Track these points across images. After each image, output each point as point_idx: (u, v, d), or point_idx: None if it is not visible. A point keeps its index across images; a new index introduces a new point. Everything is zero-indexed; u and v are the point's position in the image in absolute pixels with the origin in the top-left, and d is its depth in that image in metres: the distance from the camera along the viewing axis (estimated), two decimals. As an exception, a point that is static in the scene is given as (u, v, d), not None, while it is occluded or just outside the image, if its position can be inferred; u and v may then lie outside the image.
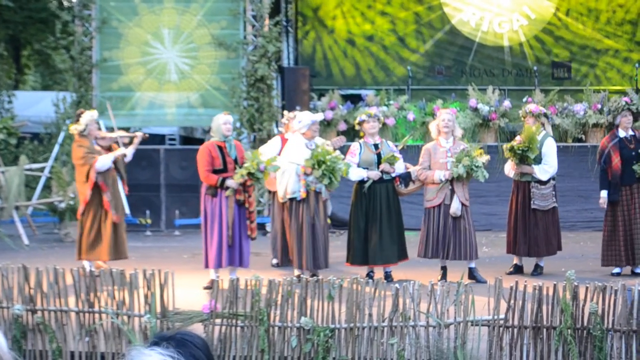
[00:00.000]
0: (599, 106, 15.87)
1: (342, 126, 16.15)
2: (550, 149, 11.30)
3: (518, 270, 11.45)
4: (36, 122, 20.84)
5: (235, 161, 10.59)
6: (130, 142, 11.62)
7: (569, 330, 7.93)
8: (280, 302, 8.28)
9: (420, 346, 8.08)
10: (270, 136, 15.38)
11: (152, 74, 16.48)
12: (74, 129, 11.17)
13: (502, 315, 8.11)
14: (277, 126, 16.04)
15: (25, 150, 19.10)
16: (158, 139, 20.36)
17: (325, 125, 16.01)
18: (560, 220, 11.70)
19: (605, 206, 11.26)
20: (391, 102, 16.47)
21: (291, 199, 10.77)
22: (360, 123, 11.26)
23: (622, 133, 11.35)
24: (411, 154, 14.54)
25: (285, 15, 18.46)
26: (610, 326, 7.97)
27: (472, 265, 10.89)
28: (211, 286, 9.19)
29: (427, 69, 19.04)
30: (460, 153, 10.76)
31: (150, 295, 8.43)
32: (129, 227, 12.84)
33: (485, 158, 10.83)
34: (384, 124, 13.08)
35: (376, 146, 11.12)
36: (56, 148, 16.45)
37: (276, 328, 8.29)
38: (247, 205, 10.58)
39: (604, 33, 18.77)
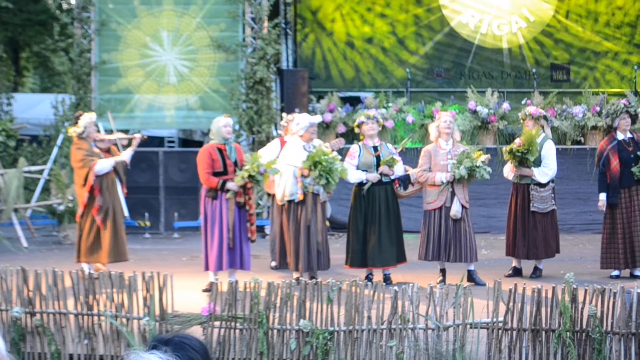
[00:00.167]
0: (598, 109, 15.88)
1: (342, 129, 16.15)
2: (549, 151, 11.31)
3: (517, 273, 11.45)
4: (35, 125, 20.84)
5: (235, 164, 10.60)
6: (129, 144, 11.63)
7: (568, 333, 7.93)
8: (279, 304, 8.27)
9: (420, 349, 8.07)
10: (269, 139, 15.39)
11: (151, 77, 16.49)
12: (73, 131, 11.17)
13: (501, 318, 8.11)
14: (276, 129, 16.05)
15: (24, 152, 19.10)
16: (157, 141, 20.39)
17: (325, 128, 16.02)
18: (559, 223, 11.70)
19: (605, 209, 11.26)
20: (390, 104, 16.47)
21: (289, 202, 10.79)
22: (360, 125, 11.26)
23: (620, 136, 11.35)
24: (410, 156, 14.54)
25: (285, 17, 18.46)
26: (609, 329, 7.97)
27: (472, 268, 10.89)
28: (210, 289, 9.19)
29: (427, 71, 19.04)
30: (461, 155, 10.76)
31: (149, 298, 8.42)
32: (128, 229, 12.84)
33: (486, 157, 10.83)
34: (383, 127, 13.06)
35: (375, 149, 11.12)
36: (55, 150, 16.46)
37: (275, 331, 8.29)
38: (247, 207, 10.59)
39: (603, 36, 18.78)
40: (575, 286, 8.00)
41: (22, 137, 18.90)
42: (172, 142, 21.70)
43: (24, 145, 19.72)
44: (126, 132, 14.94)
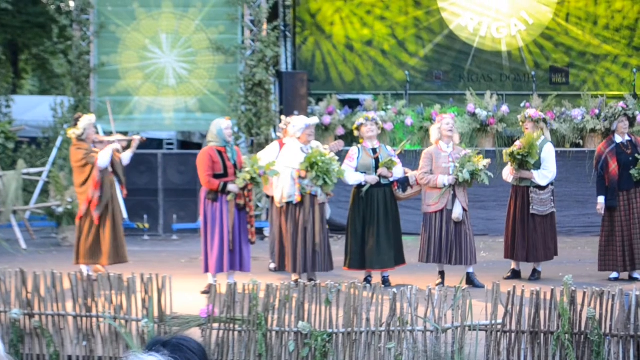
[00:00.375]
0: (597, 111, 15.88)
1: (340, 131, 16.15)
2: (549, 154, 11.31)
3: (516, 275, 11.45)
4: (34, 127, 20.84)
5: (235, 166, 10.60)
6: (128, 146, 11.63)
7: (567, 335, 7.93)
8: (278, 306, 8.28)
9: (418, 351, 8.08)
10: (268, 141, 15.40)
11: (150, 79, 16.49)
12: (72, 132, 11.18)
13: (499, 320, 8.11)
14: (275, 131, 16.06)
15: (23, 154, 19.08)
16: (156, 143, 20.38)
17: (323, 130, 16.02)
18: (558, 225, 11.70)
19: (603, 212, 11.26)
20: (389, 107, 16.47)
21: (287, 203, 10.80)
22: (359, 127, 11.27)
23: (618, 138, 11.35)
24: (409, 158, 14.54)
25: (284, 20, 18.47)
26: (607, 331, 7.98)
27: (470, 270, 10.89)
28: (209, 290, 9.19)
29: (425, 74, 19.05)
30: (464, 158, 10.77)
31: (147, 299, 8.43)
32: (127, 231, 12.84)
33: (486, 161, 10.85)
34: (382, 129, 13.07)
35: (374, 150, 11.13)
36: (54, 152, 16.45)
37: (274, 333, 8.29)
38: (247, 209, 10.60)
39: (602, 38, 18.79)
40: (573, 288, 8.00)
41: (20, 139, 18.89)
42: (171, 144, 21.70)
43: (23, 147, 19.71)
44: (125, 133, 14.94)
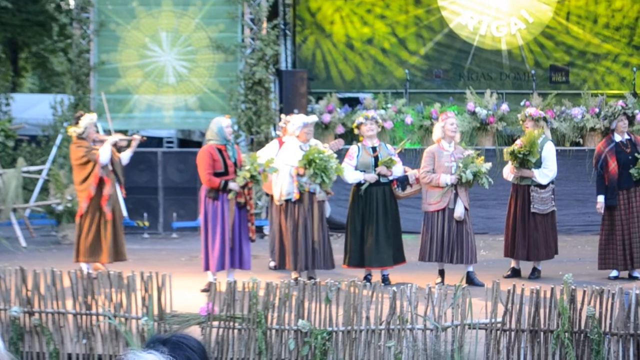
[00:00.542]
0: (597, 110, 15.88)
1: (340, 129, 16.15)
2: (549, 152, 11.31)
3: (515, 273, 11.45)
4: (34, 125, 20.84)
5: (235, 164, 10.60)
6: (128, 145, 11.63)
7: (567, 334, 7.93)
8: (277, 304, 8.27)
9: (418, 349, 8.08)
10: (267, 139, 15.40)
11: (150, 77, 16.49)
12: (73, 130, 11.18)
13: (499, 319, 8.11)
14: (274, 129, 16.06)
15: (22, 152, 19.09)
16: (156, 141, 20.38)
17: (323, 129, 16.03)
18: (558, 224, 11.70)
19: (603, 211, 11.26)
20: (389, 105, 16.47)
21: (286, 201, 10.82)
22: (359, 126, 11.28)
23: (618, 137, 11.34)
24: (409, 157, 14.55)
25: (284, 18, 18.47)
26: (607, 330, 7.98)
27: (470, 269, 10.89)
28: (209, 289, 9.19)
29: (425, 72, 19.05)
30: (467, 158, 10.77)
31: (147, 297, 8.43)
32: (127, 229, 12.84)
33: (488, 165, 10.87)
34: (382, 128, 13.07)
35: (374, 149, 11.13)
36: (54, 150, 16.46)
37: (274, 331, 8.29)
38: (248, 207, 10.60)
39: (602, 37, 18.79)
40: (573, 287, 8.00)
41: (20, 137, 18.90)
42: (171, 142, 21.71)
43: (23, 145, 19.72)
44: (125, 132, 14.95)
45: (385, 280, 10.91)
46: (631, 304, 7.94)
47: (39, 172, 16.37)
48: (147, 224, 15.63)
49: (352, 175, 11.05)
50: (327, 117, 16.13)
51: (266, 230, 14.12)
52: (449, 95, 17.80)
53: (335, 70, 19.08)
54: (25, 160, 16.41)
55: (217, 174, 10.49)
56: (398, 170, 11.14)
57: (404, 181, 11.11)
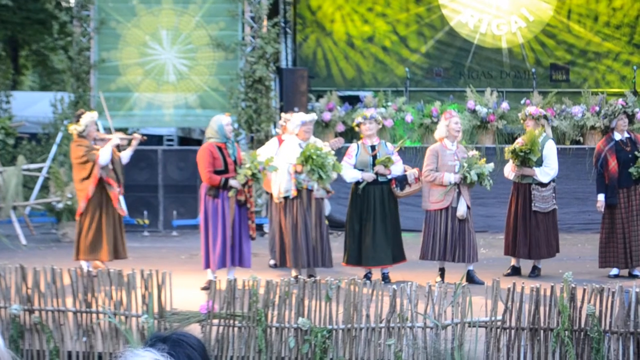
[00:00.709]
0: (597, 108, 15.88)
1: (340, 127, 16.15)
2: (550, 151, 11.31)
3: (515, 271, 11.45)
4: (34, 123, 20.85)
5: (235, 162, 10.60)
6: (129, 144, 11.63)
7: (567, 332, 7.93)
8: (277, 302, 8.28)
9: (418, 347, 8.08)
10: (268, 137, 15.39)
11: (150, 75, 16.49)
12: (74, 128, 11.18)
13: (499, 317, 8.11)
14: (275, 127, 16.05)
15: (23, 150, 19.10)
16: (156, 139, 20.38)
17: (324, 127, 16.03)
18: (558, 222, 11.70)
19: (603, 210, 11.26)
20: (389, 103, 16.47)
21: (285, 198, 10.82)
22: (358, 125, 11.28)
23: (617, 136, 11.34)
24: (409, 155, 14.55)
25: (284, 17, 18.46)
26: (607, 328, 7.98)
27: (471, 267, 10.89)
28: (209, 287, 9.19)
29: (425, 70, 19.06)
30: (471, 159, 10.76)
31: (147, 295, 8.42)
32: (127, 227, 12.84)
33: (491, 166, 10.87)
34: (383, 126, 13.07)
35: (373, 147, 11.12)
36: (54, 148, 16.45)
37: (274, 329, 8.29)
38: (248, 205, 10.60)
39: (603, 36, 18.79)
40: (573, 285, 8.00)
41: (20, 134, 18.89)
42: (171, 140, 21.71)
43: (23, 143, 19.72)
44: (125, 130, 14.95)
45: (386, 278, 10.91)
46: (631, 302, 7.94)
47: (39, 170, 16.37)
48: (147, 222, 15.64)
49: (350, 174, 11.05)
50: (327, 115, 16.12)
51: (266, 228, 14.13)
52: (450, 94, 17.80)
53: (335, 68, 19.07)
54: (25, 158, 16.41)
55: (217, 172, 10.48)
56: (397, 169, 11.13)
57: (402, 181, 11.10)
